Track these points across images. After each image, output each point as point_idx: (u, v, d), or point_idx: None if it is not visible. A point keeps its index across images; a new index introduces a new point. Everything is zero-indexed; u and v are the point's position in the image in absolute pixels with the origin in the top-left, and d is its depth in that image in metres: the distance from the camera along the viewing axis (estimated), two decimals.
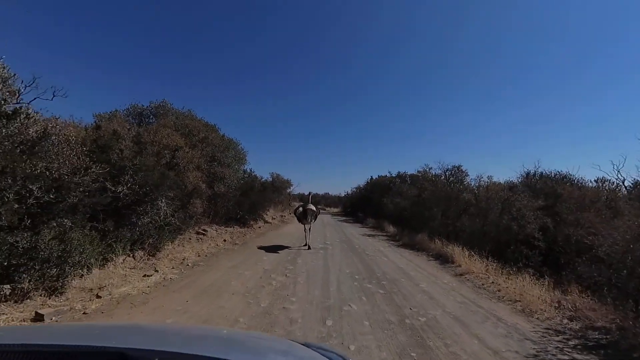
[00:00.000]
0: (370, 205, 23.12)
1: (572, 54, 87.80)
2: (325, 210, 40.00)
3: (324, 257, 7.57)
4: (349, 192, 33.76)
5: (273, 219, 19.64)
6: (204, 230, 10.19)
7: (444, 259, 7.73)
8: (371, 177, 27.52)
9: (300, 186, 41.81)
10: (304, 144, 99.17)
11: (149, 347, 0.74)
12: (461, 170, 12.45)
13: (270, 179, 28.31)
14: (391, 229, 14.96)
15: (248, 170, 15.40)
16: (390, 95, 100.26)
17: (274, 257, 7.43)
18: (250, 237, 11.48)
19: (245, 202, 13.52)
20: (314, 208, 9.98)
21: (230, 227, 12.91)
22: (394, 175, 23.01)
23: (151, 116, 11.08)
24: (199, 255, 7.47)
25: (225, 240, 9.93)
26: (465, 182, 11.83)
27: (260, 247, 8.89)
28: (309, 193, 10.70)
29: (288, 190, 31.80)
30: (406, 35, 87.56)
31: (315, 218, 10.96)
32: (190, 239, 9.12)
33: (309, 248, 8.78)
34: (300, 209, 10.18)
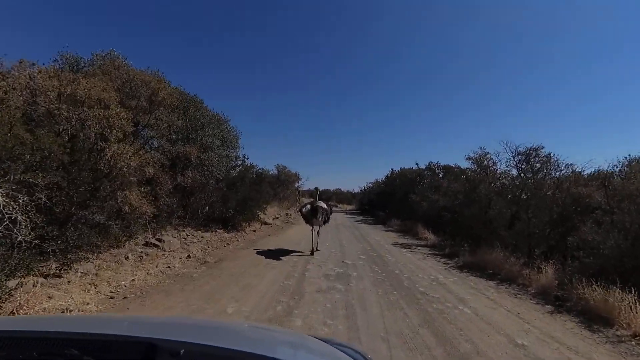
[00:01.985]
0: (392, 203, 19.32)
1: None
2: (337, 207, 36.32)
3: (346, 303, 3.93)
4: (365, 187, 29.95)
5: (276, 218, 16.12)
6: (158, 240, 6.70)
7: (585, 315, 3.98)
8: (392, 169, 23.65)
9: (310, 181, 38.11)
10: (313, 139, 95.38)
11: (175, 338, 0.78)
12: (539, 153, 8.49)
13: (276, 172, 25.02)
14: (429, 235, 11.16)
15: (241, 157, 11.88)
16: (402, 89, 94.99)
17: (250, 304, 3.84)
18: (234, 248, 7.94)
19: (233, 197, 9.99)
20: (324, 205, 7.67)
21: (212, 231, 9.44)
22: (422, 167, 19.08)
23: None
24: (111, 298, 3.95)
25: (189, 257, 6.41)
26: (550, 172, 7.89)
27: (238, 273, 5.32)
28: (316, 188, 8.67)
29: (296, 185, 28.32)
30: (412, 30, 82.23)
31: (328, 219, 8.14)
32: (127, 257, 5.64)
33: (313, 253, 7.17)
34: (308, 206, 7.83)
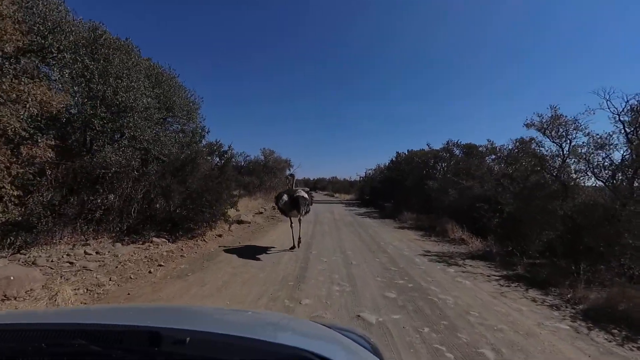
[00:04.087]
0: (400, 192, 16.07)
1: None
2: (334, 197, 33.04)
3: None
4: (365, 174, 26.54)
5: (258, 213, 12.76)
6: None
7: None
8: (397, 153, 20.30)
9: (302, 168, 34.76)
10: (306, 126, 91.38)
11: (180, 326, 0.79)
12: None
13: (262, 158, 21.53)
14: (466, 236, 7.92)
15: (199, 131, 8.34)
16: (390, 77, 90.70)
17: None
18: (163, 276, 4.55)
19: (178, 189, 6.56)
20: (305, 195, 6.43)
21: (143, 242, 6.04)
22: (437, 148, 15.71)
23: None
24: None
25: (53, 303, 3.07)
26: None
27: None
28: (291, 175, 7.27)
29: (287, 173, 24.91)
30: None
31: (309, 210, 6.71)
32: None
33: (293, 248, 6.22)
34: (285, 196, 6.37)
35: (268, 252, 6.20)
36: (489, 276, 4.84)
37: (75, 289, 3.73)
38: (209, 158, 8.60)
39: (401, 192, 15.95)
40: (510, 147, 10.35)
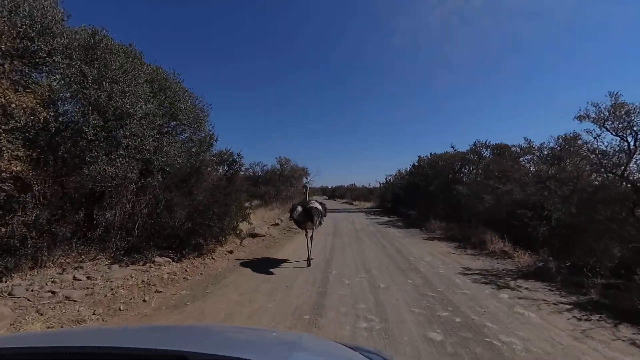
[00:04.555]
0: (425, 198, 14.97)
1: None
2: (353, 204, 32.01)
3: None
4: (386, 180, 25.42)
5: (274, 225, 12.08)
6: None
7: None
8: (419, 157, 19.17)
9: (320, 176, 34.04)
10: (323, 133, 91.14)
11: (208, 350, 0.76)
12: None
13: (278, 166, 21.00)
14: (509, 248, 6.85)
15: (207, 139, 7.78)
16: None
17: None
18: (159, 305, 3.87)
19: (182, 203, 5.97)
20: (319, 206, 6.08)
21: (144, 262, 5.44)
22: (463, 150, 14.56)
23: None
24: None
25: None
26: None
27: None
28: (304, 186, 7.65)
29: (304, 182, 24.25)
30: None
31: (322, 221, 6.40)
32: None
33: (309, 264, 5.78)
34: (299, 208, 6.05)
35: (281, 271, 5.44)
36: (556, 304, 3.84)
37: (48, 327, 3.11)
38: (217, 167, 8.03)
39: (425, 198, 14.86)
40: (551, 144, 9.28)
